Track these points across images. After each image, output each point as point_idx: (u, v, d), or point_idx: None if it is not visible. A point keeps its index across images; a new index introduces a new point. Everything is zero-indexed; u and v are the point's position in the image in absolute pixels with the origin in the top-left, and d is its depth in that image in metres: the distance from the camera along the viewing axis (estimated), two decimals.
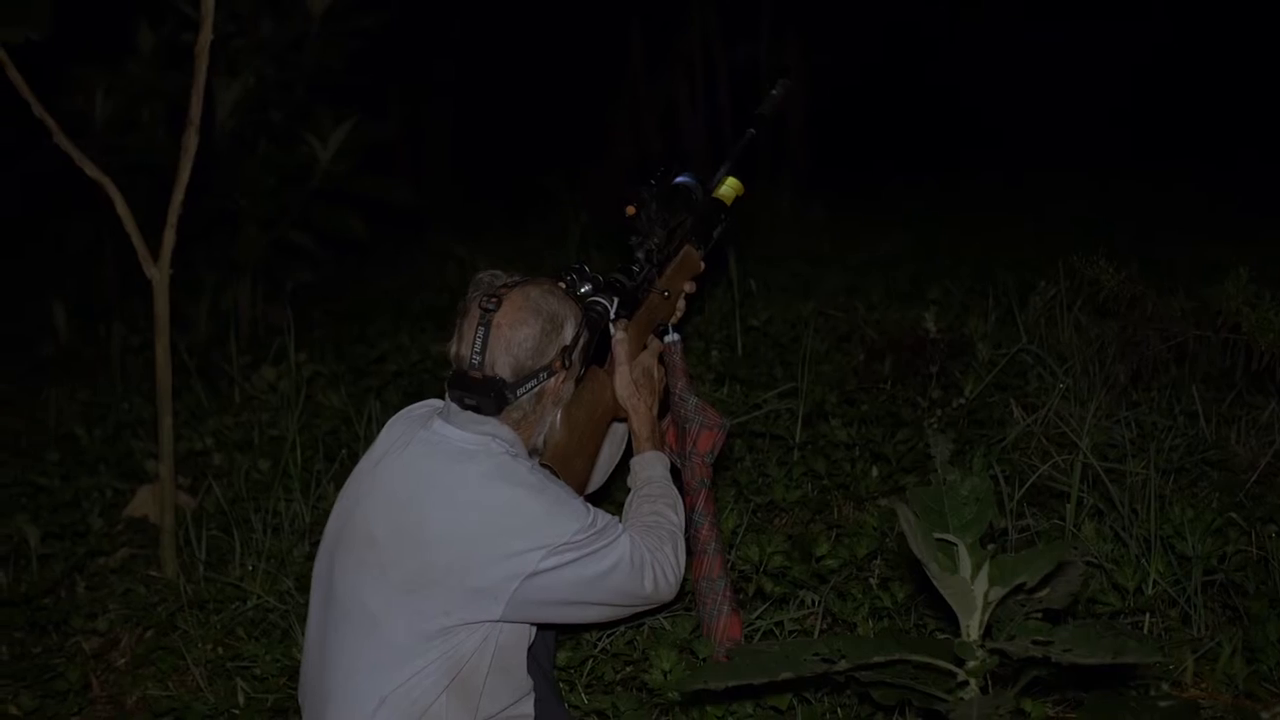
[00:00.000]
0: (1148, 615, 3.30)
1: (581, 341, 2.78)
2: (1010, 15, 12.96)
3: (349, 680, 2.63)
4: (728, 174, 3.32)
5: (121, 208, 3.98)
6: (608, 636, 3.36)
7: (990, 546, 2.75)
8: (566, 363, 2.75)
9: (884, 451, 4.14)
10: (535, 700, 2.77)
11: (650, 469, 2.99)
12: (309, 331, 6.62)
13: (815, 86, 10.76)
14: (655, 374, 3.07)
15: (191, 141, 3.95)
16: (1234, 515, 3.60)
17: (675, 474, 3.11)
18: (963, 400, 4.41)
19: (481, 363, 2.67)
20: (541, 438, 2.82)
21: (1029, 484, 3.83)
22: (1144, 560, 3.43)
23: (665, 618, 3.34)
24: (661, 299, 3.12)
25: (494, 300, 2.68)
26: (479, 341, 2.66)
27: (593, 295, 2.94)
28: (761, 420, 4.38)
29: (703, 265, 3.25)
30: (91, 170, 3.97)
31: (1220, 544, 3.46)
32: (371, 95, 8.05)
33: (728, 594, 3.04)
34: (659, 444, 3.06)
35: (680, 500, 2.97)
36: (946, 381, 4.58)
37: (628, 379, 2.99)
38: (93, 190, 4.01)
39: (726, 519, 3.76)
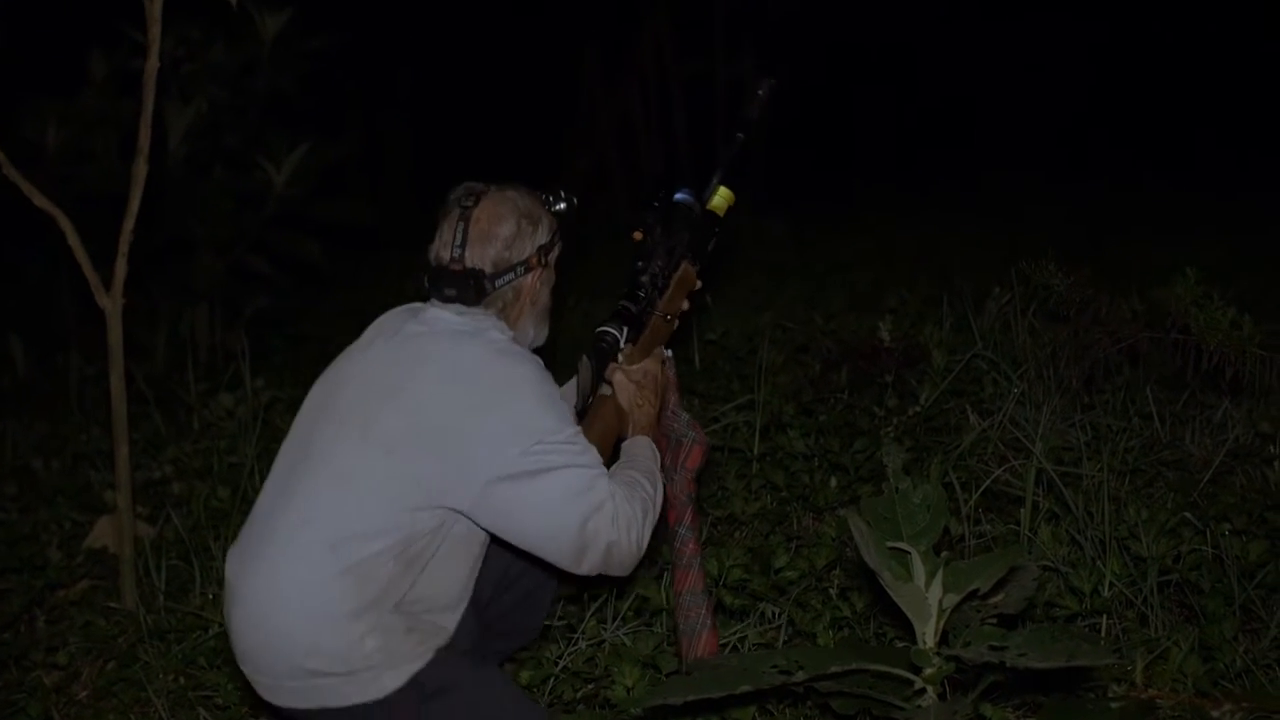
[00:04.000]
0: (1105, 617, 3.32)
1: (558, 247, 2.87)
2: (966, 19, 13.06)
3: (303, 524, 2.61)
4: (720, 184, 3.26)
5: (73, 239, 3.95)
6: (569, 654, 3.36)
7: (944, 554, 2.77)
8: (543, 261, 2.82)
9: (842, 461, 4.16)
10: (459, 623, 2.75)
11: (639, 448, 2.95)
12: (267, 356, 6.59)
13: (771, 98, 10.76)
14: (659, 378, 3.07)
15: (141, 170, 3.93)
16: (1188, 515, 3.64)
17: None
18: (918, 408, 4.43)
19: (462, 255, 2.75)
20: (523, 345, 2.84)
21: (983, 489, 3.85)
22: (1100, 562, 3.46)
23: (626, 634, 3.35)
24: (664, 322, 3.10)
25: (473, 198, 2.79)
26: (459, 236, 2.75)
27: (602, 326, 2.99)
28: (720, 434, 4.39)
29: (699, 282, 3.23)
30: (41, 201, 3.95)
31: (1175, 544, 3.50)
32: (327, 115, 8.04)
33: (710, 608, 3.06)
34: (654, 438, 3.04)
35: (660, 483, 2.91)
36: (903, 390, 4.60)
37: (626, 383, 2.99)
38: (47, 221, 3.99)
39: None
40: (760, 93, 3.36)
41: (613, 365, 3.01)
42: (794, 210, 9.53)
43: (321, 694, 2.61)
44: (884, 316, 5.16)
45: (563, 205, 2.95)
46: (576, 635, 3.46)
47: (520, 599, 3.12)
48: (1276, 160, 10.30)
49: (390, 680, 2.60)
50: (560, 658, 3.36)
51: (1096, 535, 3.57)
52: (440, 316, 2.77)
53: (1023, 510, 3.70)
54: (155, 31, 3.89)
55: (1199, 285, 4.03)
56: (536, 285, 2.84)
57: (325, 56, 7.10)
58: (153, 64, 3.91)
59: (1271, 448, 4.14)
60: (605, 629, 3.46)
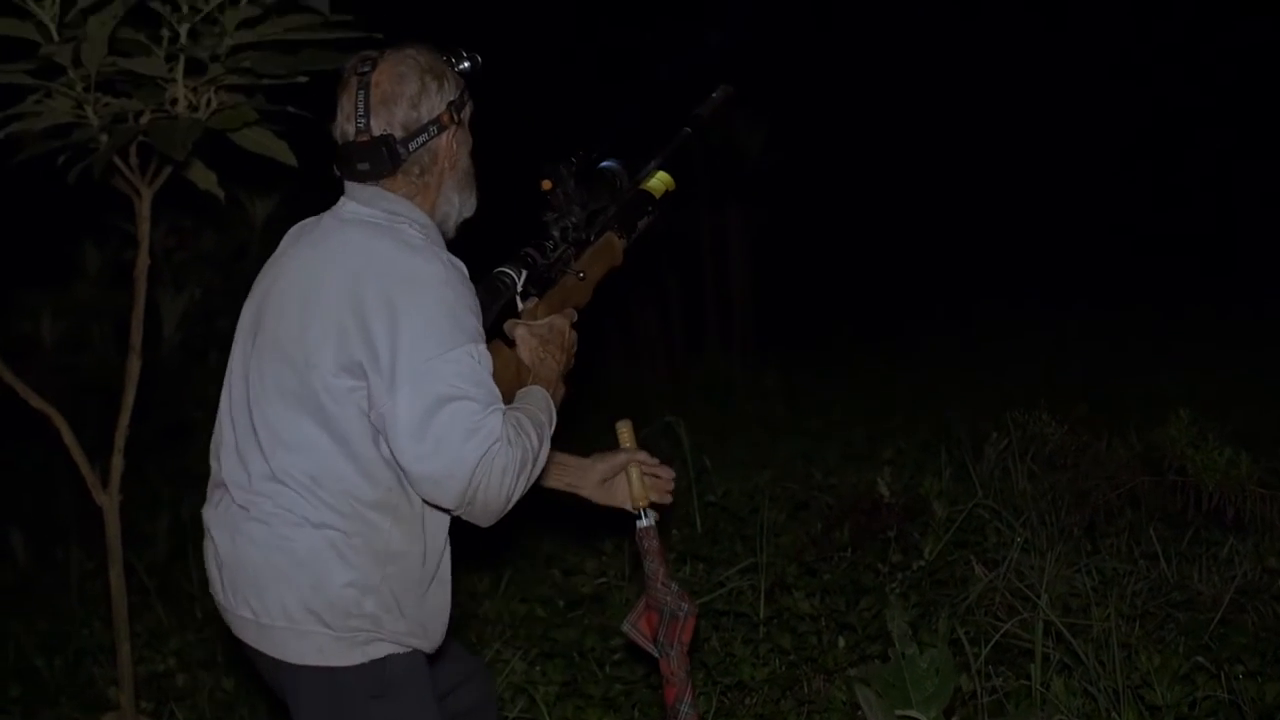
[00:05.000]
0: None
1: (470, 105, 2.70)
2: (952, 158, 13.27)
3: (275, 450, 2.52)
4: (658, 168, 3.16)
5: (68, 436, 3.97)
6: None
7: (956, 716, 2.73)
8: (456, 119, 2.65)
9: (849, 621, 4.12)
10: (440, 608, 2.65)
11: (533, 395, 2.70)
12: None
13: (758, 251, 10.88)
14: (566, 334, 2.85)
15: (134, 366, 3.96)
16: (1201, 659, 3.59)
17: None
18: (923, 562, 4.41)
19: (368, 124, 2.58)
20: (450, 221, 2.72)
21: (993, 643, 3.81)
22: (1114, 714, 3.41)
23: None
24: (577, 281, 2.95)
25: (369, 63, 2.60)
26: (361, 105, 2.57)
27: (500, 267, 2.84)
28: (725, 599, 4.36)
29: (623, 257, 3.08)
30: (37, 402, 3.98)
31: (1189, 690, 3.45)
32: None
33: None
34: (554, 393, 2.80)
35: (548, 437, 2.65)
36: (906, 544, 4.58)
37: (529, 337, 2.79)
38: (45, 414, 4.01)
39: None
40: (714, 95, 3.28)
41: (513, 321, 2.83)
42: (785, 361, 9.57)
43: (304, 645, 2.51)
44: (882, 469, 5.16)
45: (466, 64, 2.76)
46: None
47: None
48: (1261, 284, 10.41)
49: (374, 650, 2.51)
50: None
51: (1109, 686, 3.52)
52: (353, 209, 2.62)
53: (1033, 665, 3.65)
54: (144, 229, 3.95)
55: (1193, 425, 4.03)
56: (453, 146, 2.67)
57: None
58: (143, 261, 3.96)
59: None
60: None
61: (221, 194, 3.89)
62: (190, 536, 6.00)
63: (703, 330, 10.65)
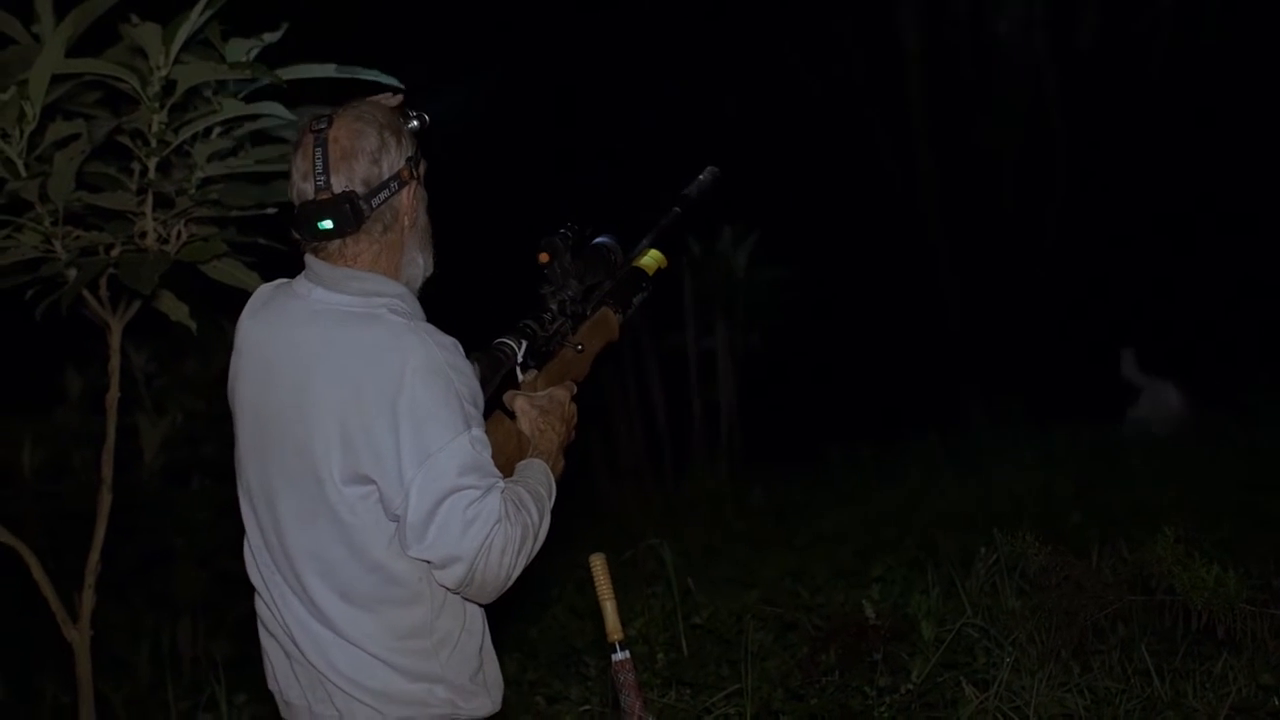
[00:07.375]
0: None
1: (424, 161, 2.67)
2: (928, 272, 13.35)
3: (314, 580, 2.55)
4: (650, 245, 3.20)
5: (37, 572, 3.94)
6: None
7: None
8: (415, 174, 2.61)
9: None
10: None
11: (533, 469, 2.70)
12: (251, 663, 6.46)
13: (743, 368, 10.85)
14: (566, 407, 2.84)
15: (105, 501, 3.93)
16: None
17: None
18: (911, 685, 4.33)
19: (327, 182, 2.51)
20: (416, 282, 2.68)
21: None
22: None
23: None
24: (576, 354, 2.95)
25: (324, 120, 2.55)
26: (319, 163, 2.51)
27: (500, 338, 2.83)
28: None
29: (619, 333, 3.09)
30: (4, 537, 3.94)
31: None
32: None
33: None
34: (554, 466, 2.80)
35: (548, 511, 2.65)
36: (893, 666, 4.50)
37: (529, 409, 2.78)
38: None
39: None
40: (702, 177, 3.31)
41: (513, 392, 2.81)
42: (773, 477, 9.52)
43: None
44: (870, 587, 5.08)
45: (415, 123, 2.71)
46: None
47: None
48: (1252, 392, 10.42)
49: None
50: None
51: None
52: (322, 296, 2.57)
53: None
54: (115, 362, 3.93)
55: (1179, 543, 3.98)
56: (414, 203, 2.63)
57: None
58: (114, 394, 3.94)
59: (1275, 700, 4.03)
60: None
61: (193, 325, 3.86)
62: (167, 666, 5.92)
63: (689, 447, 10.59)
